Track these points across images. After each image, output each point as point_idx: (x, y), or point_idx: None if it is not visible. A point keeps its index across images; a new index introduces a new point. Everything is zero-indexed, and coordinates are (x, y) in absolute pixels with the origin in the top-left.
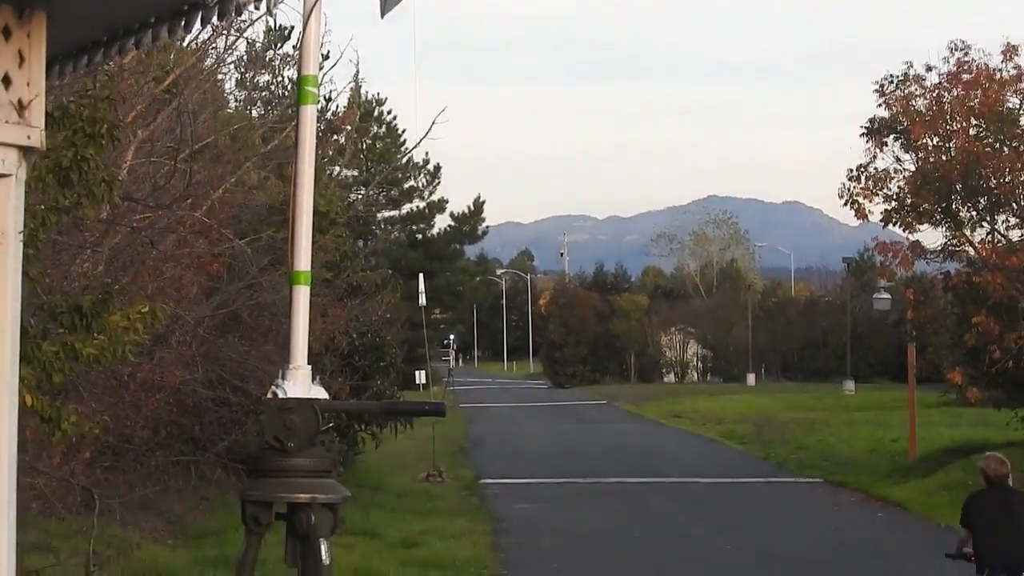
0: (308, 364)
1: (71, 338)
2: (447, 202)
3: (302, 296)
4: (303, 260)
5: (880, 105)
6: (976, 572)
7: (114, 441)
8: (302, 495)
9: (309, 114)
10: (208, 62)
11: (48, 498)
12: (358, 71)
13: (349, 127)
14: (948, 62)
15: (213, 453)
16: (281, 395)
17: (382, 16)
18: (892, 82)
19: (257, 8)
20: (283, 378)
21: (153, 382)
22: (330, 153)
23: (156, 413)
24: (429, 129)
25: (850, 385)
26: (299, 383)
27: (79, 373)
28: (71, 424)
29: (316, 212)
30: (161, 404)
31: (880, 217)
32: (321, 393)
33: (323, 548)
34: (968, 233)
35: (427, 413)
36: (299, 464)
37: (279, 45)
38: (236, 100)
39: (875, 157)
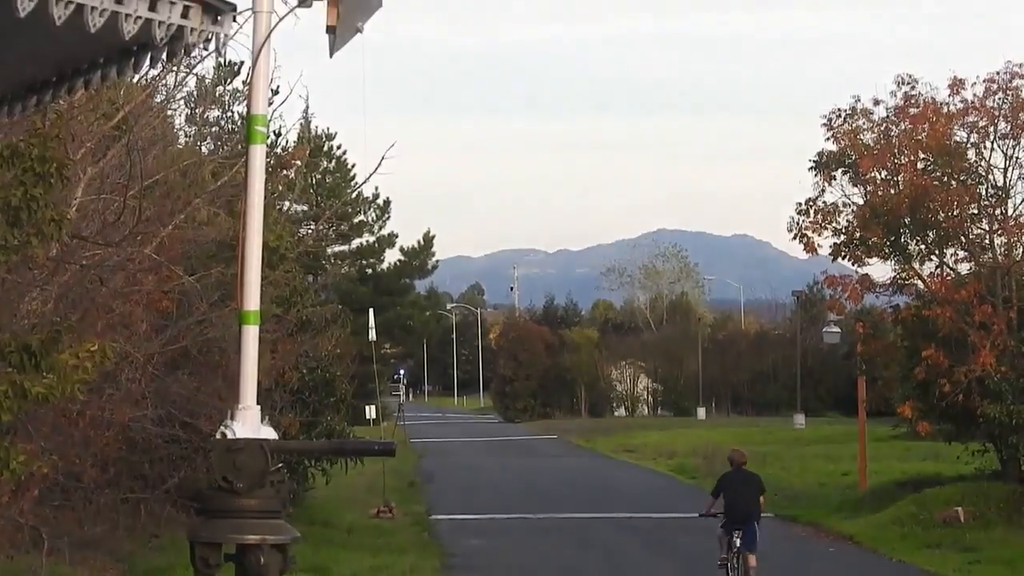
0: (257, 403)
1: (20, 377)
2: (397, 236)
3: (251, 336)
4: (252, 300)
5: (828, 139)
6: (720, 527)
7: (63, 479)
8: (252, 536)
9: (258, 153)
10: (158, 98)
11: None
12: (307, 106)
13: (299, 162)
14: (896, 96)
15: (163, 490)
16: (230, 435)
17: (331, 55)
18: (840, 116)
19: (206, 48)
20: (232, 418)
21: (102, 419)
22: (280, 188)
23: (105, 451)
24: (379, 164)
25: (800, 419)
26: (248, 423)
27: (28, 411)
28: (19, 463)
29: (265, 247)
30: (110, 441)
31: (829, 250)
32: (270, 433)
33: None
34: (917, 266)
35: (377, 453)
36: (248, 505)
37: (228, 81)
38: (186, 135)
39: (824, 191)
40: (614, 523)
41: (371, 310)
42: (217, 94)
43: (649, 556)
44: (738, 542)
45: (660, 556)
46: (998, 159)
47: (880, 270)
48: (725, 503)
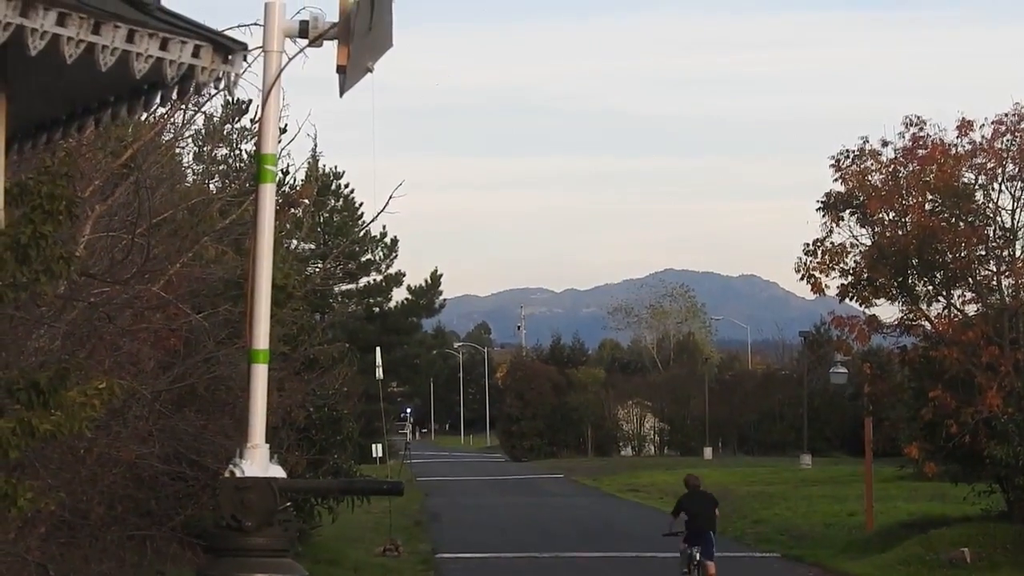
0: (265, 442)
1: (28, 414)
2: (404, 275)
3: (260, 374)
4: (261, 339)
5: (836, 180)
6: (683, 541)
7: (69, 516)
8: (259, 575)
9: (268, 192)
10: (166, 136)
11: (2, 574)
12: (316, 145)
13: (307, 201)
14: (904, 137)
15: (169, 528)
16: (239, 474)
17: (341, 95)
18: (848, 157)
19: (216, 87)
20: (241, 456)
21: (109, 457)
22: (287, 226)
23: (112, 488)
24: (386, 203)
25: (807, 459)
26: (257, 462)
27: (35, 449)
28: (27, 500)
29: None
30: (117, 479)
31: (837, 291)
32: (279, 472)
33: None
34: (924, 307)
35: (385, 492)
36: (256, 543)
37: (237, 119)
38: (194, 173)
39: (831, 231)
40: (619, 563)
41: (378, 348)
42: (225, 132)
43: None
44: (698, 555)
45: None
46: (1006, 201)
47: (887, 311)
48: (686, 521)
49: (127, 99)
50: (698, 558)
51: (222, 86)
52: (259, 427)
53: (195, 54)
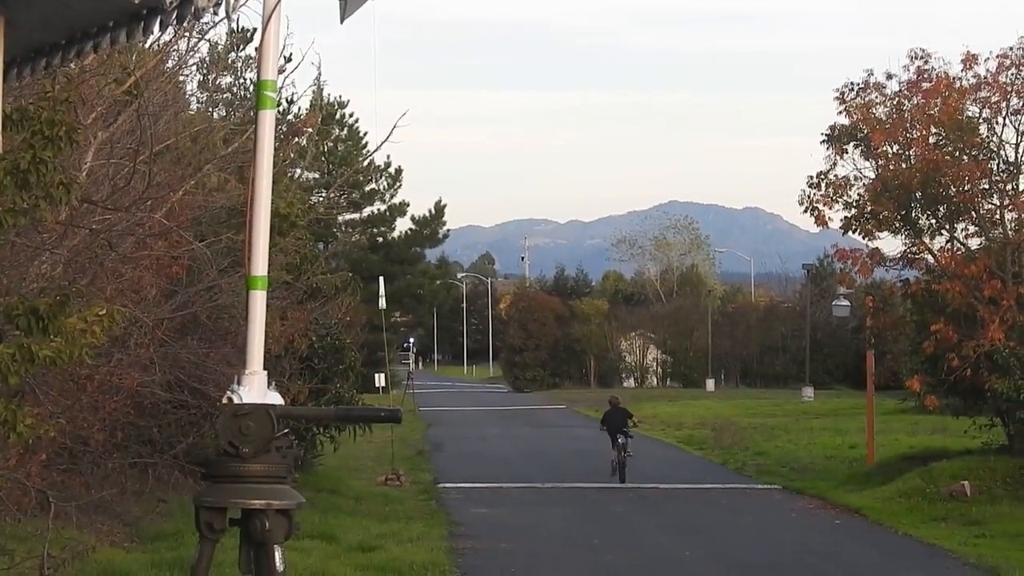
0: (265, 369)
1: (27, 340)
2: (408, 205)
3: (258, 301)
4: (260, 265)
5: (840, 112)
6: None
7: (70, 443)
8: (256, 501)
9: (268, 119)
10: (170, 64)
11: (3, 500)
12: (320, 74)
13: (311, 129)
14: (908, 70)
15: (171, 456)
16: (236, 400)
17: (341, 21)
18: (852, 89)
19: (216, 13)
20: (239, 383)
21: (111, 384)
22: (291, 155)
23: (113, 415)
24: (390, 133)
25: (809, 391)
26: (254, 388)
27: (35, 375)
28: (27, 427)
29: (276, 214)
30: (118, 406)
31: (840, 224)
32: (276, 399)
33: (277, 555)
34: (927, 241)
35: (383, 420)
36: (254, 470)
37: (241, 47)
38: (198, 102)
39: (835, 164)
40: (621, 493)
41: (381, 278)
42: (229, 60)
43: (654, 525)
44: (620, 440)
45: (665, 525)
46: (1010, 135)
47: (890, 244)
48: (608, 428)
49: (126, 24)
50: (620, 441)
51: (222, 12)
52: (257, 353)
53: None
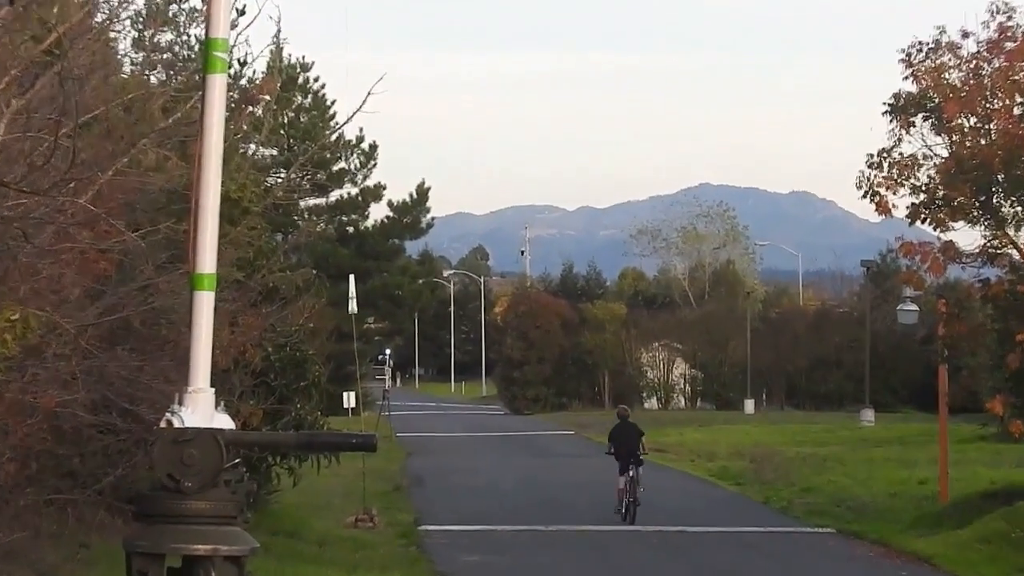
0: (212, 386)
1: None
2: (384, 188)
3: (205, 304)
4: (207, 261)
5: (907, 78)
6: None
7: None
8: (201, 546)
9: (218, 84)
10: (99, 18)
11: None
12: (279, 30)
13: (268, 97)
14: (988, 27)
15: (95, 491)
16: (177, 424)
17: None
18: (922, 50)
19: None
20: (180, 403)
21: (23, 404)
22: (244, 128)
23: (27, 442)
24: (364, 101)
25: (869, 414)
26: (199, 409)
27: None
28: None
29: (226, 199)
30: (33, 431)
31: (906, 212)
32: (226, 422)
33: None
34: (1012, 233)
35: (353, 448)
36: (197, 508)
37: None
38: (132, 63)
39: (900, 140)
40: (641, 538)
41: (352, 277)
42: (170, 14)
43: None
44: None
45: None
46: None
47: (967, 236)
48: (615, 448)
49: None
50: (631, 474)
51: None
52: (203, 368)
53: None
